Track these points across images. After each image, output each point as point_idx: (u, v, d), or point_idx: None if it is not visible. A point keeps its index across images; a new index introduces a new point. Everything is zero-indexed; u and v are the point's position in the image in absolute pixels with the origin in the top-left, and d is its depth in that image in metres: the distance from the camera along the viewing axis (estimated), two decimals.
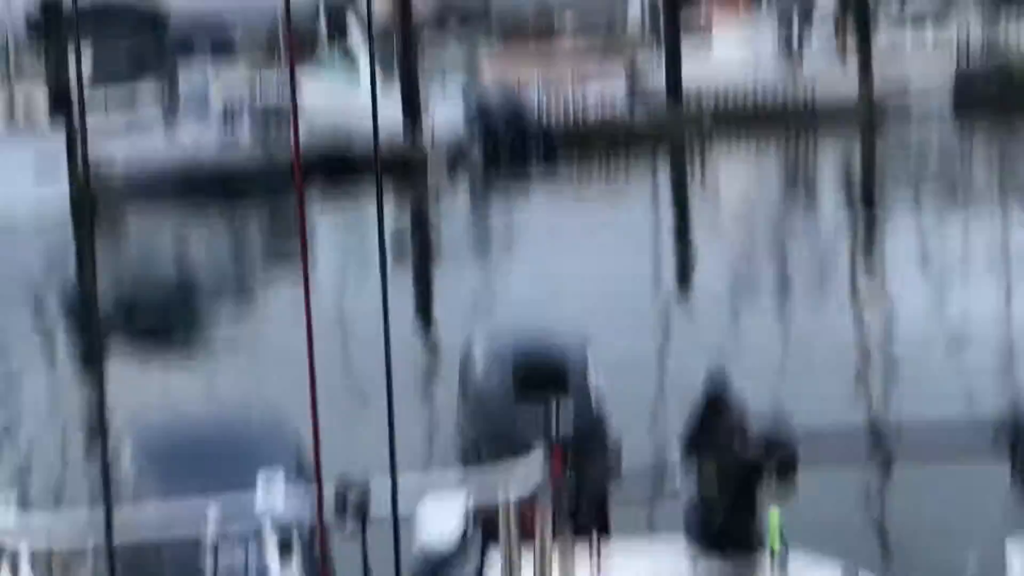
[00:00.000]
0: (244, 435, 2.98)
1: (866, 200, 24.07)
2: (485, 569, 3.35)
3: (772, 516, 2.91)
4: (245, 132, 29.06)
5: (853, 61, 44.87)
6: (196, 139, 28.50)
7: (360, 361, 10.01)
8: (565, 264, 16.42)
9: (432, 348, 11.55)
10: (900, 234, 17.14)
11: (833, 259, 15.82)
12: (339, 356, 10.37)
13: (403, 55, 33.88)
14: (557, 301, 13.16)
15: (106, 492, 2.21)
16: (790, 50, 45.48)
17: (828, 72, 44.45)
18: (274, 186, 27.38)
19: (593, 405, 3.89)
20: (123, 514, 2.43)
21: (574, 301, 13.03)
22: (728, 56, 44.14)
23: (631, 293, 13.56)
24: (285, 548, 2.39)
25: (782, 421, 3.04)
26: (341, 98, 32.88)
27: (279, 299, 14.72)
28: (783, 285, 14.17)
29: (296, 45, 38.51)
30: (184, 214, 24.79)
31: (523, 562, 2.74)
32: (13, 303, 16.23)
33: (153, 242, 22.29)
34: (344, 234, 21.57)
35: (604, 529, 3.43)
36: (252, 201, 25.97)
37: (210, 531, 2.44)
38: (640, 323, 11.85)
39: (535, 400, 3.79)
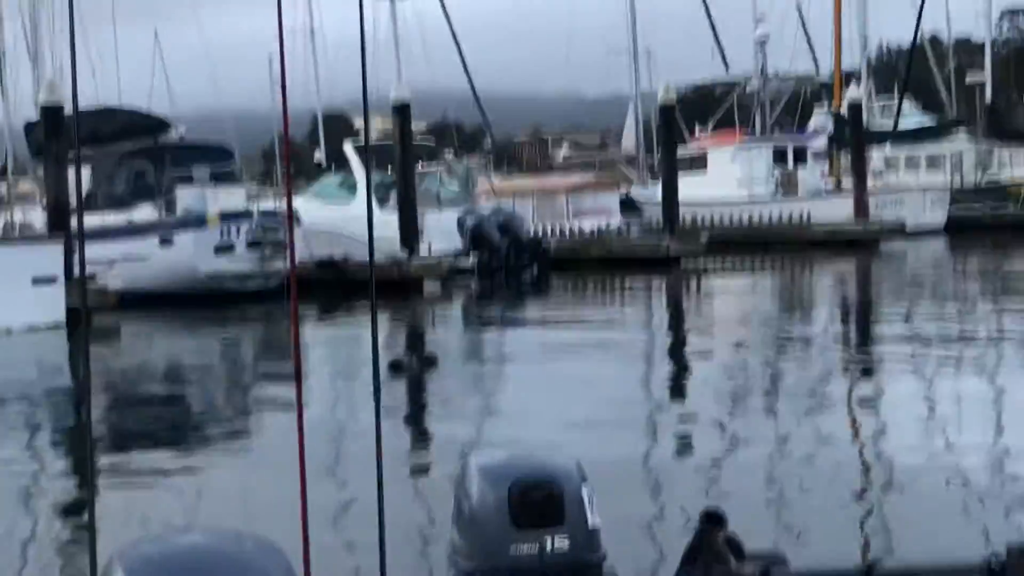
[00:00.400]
0: (237, 561, 2.85)
1: (860, 321, 23.97)
2: None
3: None
4: (242, 249, 29.13)
5: (846, 186, 45.45)
6: (192, 255, 28.60)
7: (353, 483, 9.83)
8: (559, 378, 16.30)
9: (424, 467, 11.34)
10: (895, 360, 17.05)
11: (828, 380, 15.74)
12: (329, 475, 10.18)
13: (401, 177, 34.17)
14: (550, 414, 13.04)
15: None
16: (784, 175, 46.00)
17: (822, 198, 45.02)
18: (269, 299, 27.48)
19: (589, 537, 3.75)
20: None
21: (567, 414, 12.93)
22: (723, 177, 44.66)
23: (625, 409, 13.44)
24: None
25: (780, 555, 2.94)
26: (339, 217, 33.20)
27: (271, 418, 14.55)
28: (775, 404, 14.08)
29: (292, 174, 38.97)
30: (178, 328, 24.66)
31: None
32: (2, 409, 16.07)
33: (146, 354, 22.14)
34: (338, 349, 21.42)
35: None
36: (247, 316, 25.94)
37: None
38: (633, 438, 11.70)
39: (531, 529, 3.64)
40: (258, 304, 27.38)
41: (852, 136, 44.66)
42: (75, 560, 8.54)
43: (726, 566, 3.00)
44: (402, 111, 33.77)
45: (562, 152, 69.97)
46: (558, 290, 31.92)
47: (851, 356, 18.16)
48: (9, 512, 10.51)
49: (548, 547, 3.65)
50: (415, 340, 21.87)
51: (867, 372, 16.20)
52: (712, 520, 3.06)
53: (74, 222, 27.04)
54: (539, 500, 3.66)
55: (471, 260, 33.49)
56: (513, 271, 33.76)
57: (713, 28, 52.26)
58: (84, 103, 28.59)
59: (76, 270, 24.57)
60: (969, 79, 61.68)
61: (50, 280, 24.69)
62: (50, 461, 13.19)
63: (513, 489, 3.71)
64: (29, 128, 32.67)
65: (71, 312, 24.49)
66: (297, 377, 2.36)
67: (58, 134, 27.21)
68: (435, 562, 3.75)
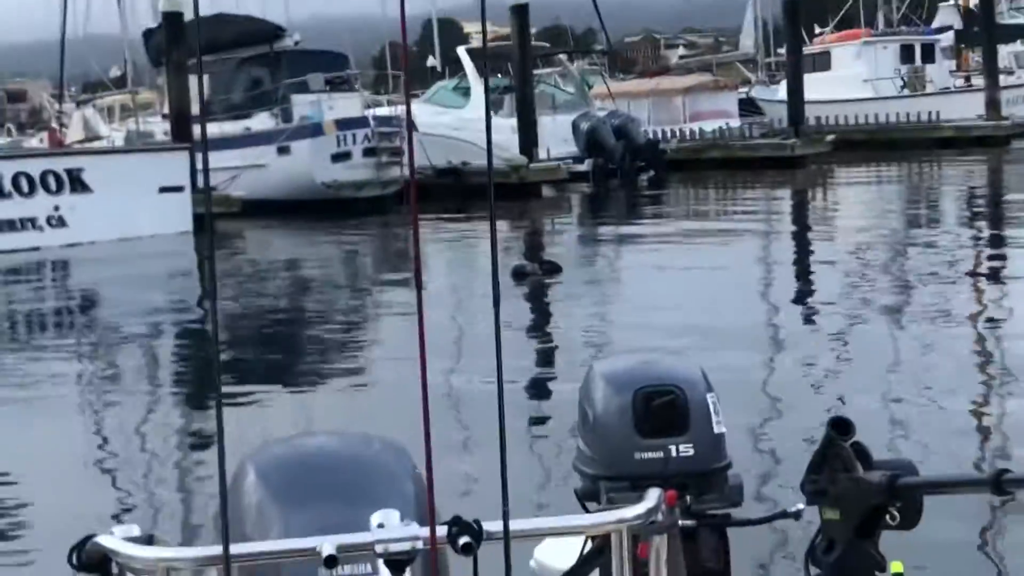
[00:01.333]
0: (364, 460, 2.96)
1: (991, 223, 23.55)
2: None
3: (896, 566, 2.79)
4: (358, 157, 29.34)
5: (975, 84, 44.49)
6: (308, 163, 28.89)
7: (472, 391, 9.98)
8: (676, 285, 16.36)
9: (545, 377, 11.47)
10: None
11: (954, 284, 15.55)
12: (447, 385, 10.33)
13: (520, 80, 33.98)
14: (673, 321, 13.08)
15: (224, 526, 2.24)
16: (912, 72, 45.12)
17: (951, 95, 44.14)
18: (386, 207, 27.74)
19: (714, 444, 3.76)
20: (241, 548, 2.43)
21: (690, 320, 12.98)
22: (847, 76, 43.88)
23: (746, 318, 13.41)
24: (398, 568, 2.36)
25: (907, 462, 2.94)
26: (454, 122, 33.29)
27: (388, 323, 14.77)
28: (902, 311, 13.93)
29: (410, 77, 39.07)
30: (298, 235, 25.03)
31: None
32: (132, 313, 16.64)
33: (268, 260, 22.54)
34: (459, 256, 21.60)
35: (725, 571, 3.33)
36: (364, 223, 26.20)
37: (324, 558, 2.42)
38: (754, 346, 11.69)
39: (655, 436, 3.68)
40: (375, 211, 27.60)
41: (984, 31, 43.46)
42: (205, 463, 8.84)
43: (853, 473, 3.03)
44: (520, 12, 33.55)
45: (677, 54, 69.33)
46: (676, 193, 31.75)
47: (980, 261, 17.86)
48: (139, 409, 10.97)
49: (673, 454, 3.70)
50: (536, 246, 21.93)
51: (996, 278, 15.95)
52: (839, 428, 3.08)
53: (197, 131, 27.60)
54: (663, 407, 3.71)
55: (587, 165, 33.40)
56: (629, 175, 33.63)
57: None
58: (202, 10, 28.84)
59: (200, 179, 25.20)
60: None
61: (177, 189, 25.20)
62: (178, 364, 13.64)
63: (637, 396, 3.76)
64: (148, 35, 33.13)
65: (198, 219, 25.00)
66: (417, 282, 2.42)
67: (179, 41, 27.60)
68: (561, 471, 3.81)
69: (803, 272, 18.07)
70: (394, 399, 10.41)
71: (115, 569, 2.39)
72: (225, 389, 11.44)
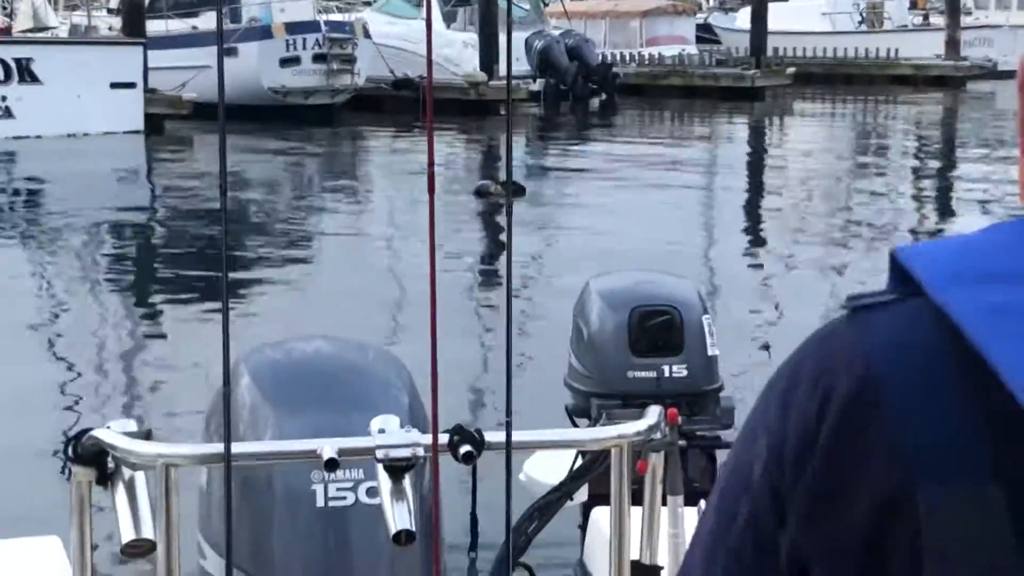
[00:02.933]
0: (360, 367, 2.99)
1: (943, 157, 23.92)
2: (588, 523, 3.33)
3: None
4: (308, 62, 28.91)
5: (934, 22, 44.59)
6: (256, 67, 28.38)
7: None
8: (636, 207, 16.56)
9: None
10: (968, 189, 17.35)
11: (901, 217, 16.00)
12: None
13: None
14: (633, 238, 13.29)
15: (226, 424, 2.28)
16: (870, 7, 45.16)
17: (909, 32, 44.24)
18: (328, 115, 27.49)
19: (707, 365, 3.86)
20: (242, 448, 2.46)
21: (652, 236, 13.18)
22: (805, 7, 43.81)
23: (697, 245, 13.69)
24: (397, 474, 2.40)
25: None
26: (405, 33, 32.94)
27: (333, 233, 14.85)
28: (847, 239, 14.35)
29: None
30: (246, 136, 24.82)
31: (631, 520, 2.70)
32: (76, 213, 16.57)
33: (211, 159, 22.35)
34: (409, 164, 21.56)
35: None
36: (310, 132, 25.95)
37: (324, 460, 2.46)
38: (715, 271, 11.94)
39: (649, 355, 3.76)
40: (324, 121, 27.31)
41: None
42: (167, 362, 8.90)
43: None
44: None
45: None
46: (630, 119, 31.69)
47: (922, 215, 18.17)
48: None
49: (666, 374, 3.76)
50: (494, 165, 21.82)
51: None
52: None
53: (150, 26, 27.26)
54: (659, 327, 3.77)
55: (538, 84, 33.17)
56: (581, 97, 33.44)
57: None
58: None
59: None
60: None
61: (129, 85, 24.79)
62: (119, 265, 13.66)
63: (633, 315, 3.81)
64: None
65: (149, 119, 24.73)
66: (431, 194, 2.38)
67: None
68: (550, 385, 3.90)
69: (747, 212, 18.30)
70: (335, 304, 10.65)
71: (111, 463, 2.38)
72: (170, 296, 11.63)
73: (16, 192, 19.45)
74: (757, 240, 15.32)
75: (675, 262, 12.14)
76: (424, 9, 34.91)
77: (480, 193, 16.50)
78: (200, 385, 7.61)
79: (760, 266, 13.45)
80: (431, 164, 2.48)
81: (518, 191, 16.86)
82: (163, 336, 10.59)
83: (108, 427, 2.40)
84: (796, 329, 9.70)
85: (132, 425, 2.41)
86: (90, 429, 2.40)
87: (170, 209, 17.83)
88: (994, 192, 17.91)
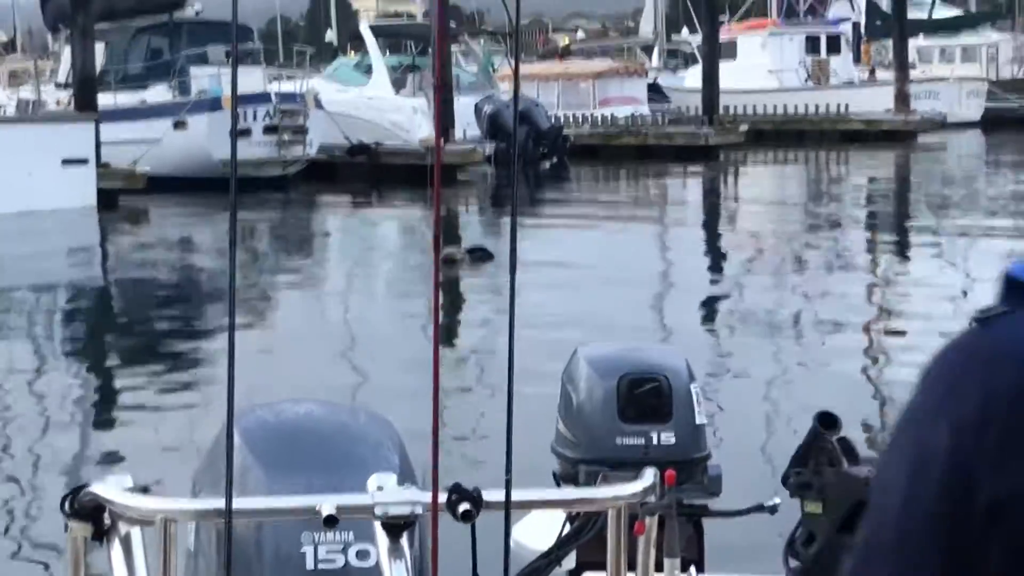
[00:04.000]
0: (350, 430, 3.01)
1: (896, 215, 24.23)
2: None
3: None
4: (258, 134, 28.95)
5: (879, 77, 45.21)
6: (206, 139, 28.36)
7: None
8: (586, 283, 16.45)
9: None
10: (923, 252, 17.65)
11: (854, 277, 16.25)
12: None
13: (438, 58, 33.60)
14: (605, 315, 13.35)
15: (228, 480, 2.27)
16: (816, 64, 45.77)
17: (856, 88, 44.81)
18: (282, 186, 27.52)
19: (695, 433, 3.92)
20: (240, 504, 2.47)
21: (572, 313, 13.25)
22: (753, 66, 44.38)
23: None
24: (396, 532, 2.42)
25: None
26: (356, 100, 33.14)
27: (278, 319, 14.93)
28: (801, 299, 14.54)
29: (310, 56, 38.72)
30: (195, 209, 24.75)
31: None
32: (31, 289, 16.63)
33: (169, 238, 22.41)
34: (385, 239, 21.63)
35: (699, 562, 3.41)
36: (264, 204, 25.91)
37: (324, 517, 2.47)
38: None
39: (638, 423, 3.81)
40: (276, 191, 27.28)
41: (896, 24, 44.14)
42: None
43: (838, 467, 3.11)
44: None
45: (576, 37, 69.20)
46: (584, 181, 31.86)
47: (877, 265, 18.38)
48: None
49: (654, 441, 3.79)
50: (456, 233, 21.84)
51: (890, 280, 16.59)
52: (825, 422, 3.17)
53: (102, 100, 27.18)
54: (647, 395, 3.81)
55: (488, 149, 33.29)
56: (531, 161, 33.58)
57: None
58: None
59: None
60: None
61: (81, 161, 24.72)
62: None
63: (622, 383, 3.85)
64: (45, 0, 32.50)
65: (102, 193, 24.61)
66: (436, 255, 2.48)
67: (85, 5, 27.00)
68: (538, 452, 3.94)
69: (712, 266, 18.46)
70: (309, 370, 10.68)
71: (108, 519, 2.37)
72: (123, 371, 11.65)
73: None
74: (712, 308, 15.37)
75: (633, 324, 12.35)
76: (376, 75, 35.27)
77: (446, 261, 16.52)
78: (181, 447, 7.72)
79: (715, 332, 13.51)
80: (437, 223, 2.52)
81: (486, 256, 16.89)
82: (137, 406, 10.54)
83: (104, 482, 2.39)
84: (752, 391, 9.97)
85: (129, 480, 2.40)
86: (87, 484, 2.39)
87: (129, 282, 17.84)
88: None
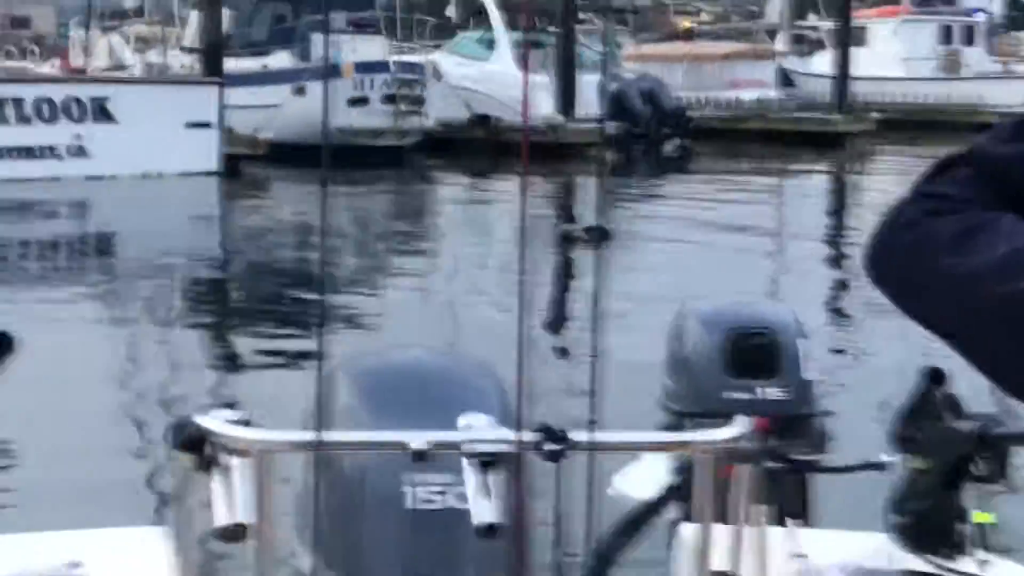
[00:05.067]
0: (455, 377, 3.09)
1: None
2: (676, 531, 3.37)
3: (981, 517, 2.88)
4: (376, 103, 29.20)
5: (1014, 71, 44.41)
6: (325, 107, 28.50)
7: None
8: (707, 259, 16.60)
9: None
10: None
11: None
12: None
13: (563, 34, 33.62)
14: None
15: (318, 412, 2.40)
16: (948, 54, 45.09)
17: (990, 80, 44.04)
18: (397, 157, 27.77)
19: (802, 389, 3.97)
20: (333, 436, 2.56)
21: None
22: (884, 53, 43.79)
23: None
24: (483, 468, 2.47)
25: (996, 415, 3.03)
26: (476, 74, 33.26)
27: (391, 281, 15.14)
28: None
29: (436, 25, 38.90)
30: (314, 179, 25.02)
31: (715, 532, 2.75)
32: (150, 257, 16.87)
33: (290, 208, 22.72)
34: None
35: (803, 515, 3.45)
36: (378, 175, 26.15)
37: (413, 451, 2.53)
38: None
39: (745, 377, 3.87)
40: (391, 163, 27.44)
41: None
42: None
43: (942, 423, 3.12)
44: None
45: (701, 18, 68.52)
46: (708, 163, 31.69)
47: None
48: None
49: (760, 395, 3.85)
50: (575, 211, 21.89)
51: None
52: (934, 377, 3.18)
53: (228, 65, 27.58)
54: (755, 349, 3.87)
55: (612, 129, 33.23)
56: (655, 142, 33.53)
57: None
58: None
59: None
60: None
61: (205, 125, 25.11)
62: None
63: (730, 337, 3.91)
64: None
65: (225, 160, 25.04)
66: (522, 235, 2.51)
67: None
68: (645, 408, 4.02)
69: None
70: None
71: (209, 449, 2.42)
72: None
73: (87, 233, 19.88)
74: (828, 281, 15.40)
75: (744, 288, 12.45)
76: (498, 50, 35.42)
77: (566, 237, 16.66)
78: (293, 391, 7.89)
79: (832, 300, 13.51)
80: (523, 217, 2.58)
81: (605, 235, 16.89)
82: (251, 366, 10.82)
83: (209, 415, 2.46)
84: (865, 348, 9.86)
85: (232, 414, 2.47)
86: (191, 417, 2.46)
87: (250, 244, 18.22)
88: None
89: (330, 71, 28.97)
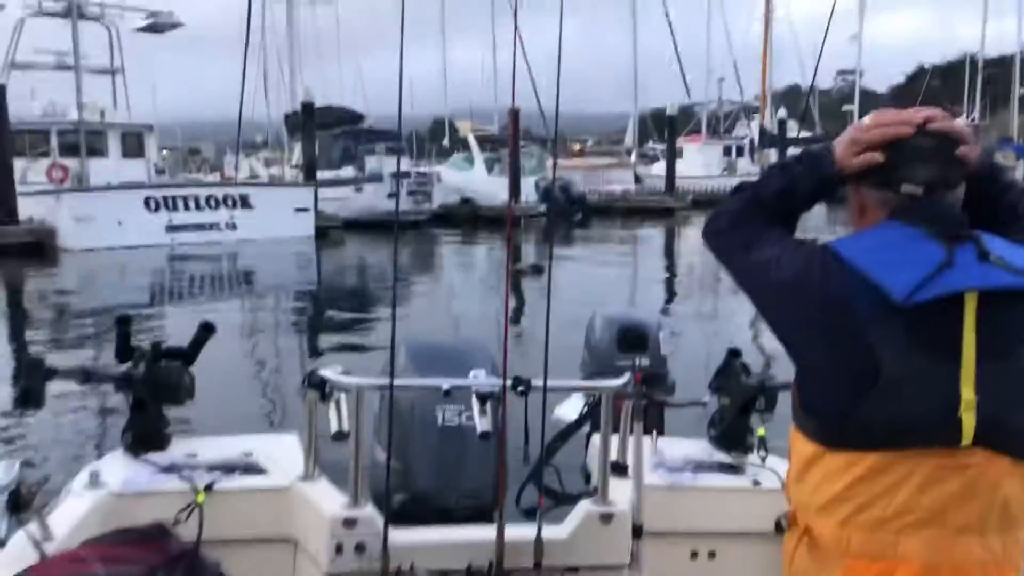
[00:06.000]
0: (468, 351, 3.08)
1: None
2: (590, 439, 3.29)
3: (760, 432, 2.90)
4: (404, 196, 29.00)
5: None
6: (373, 198, 28.45)
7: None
8: (600, 280, 16.41)
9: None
10: None
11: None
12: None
13: (512, 157, 33.45)
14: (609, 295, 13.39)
15: (391, 368, 2.32)
16: (730, 163, 45.44)
17: (755, 176, 44.31)
18: (418, 225, 27.61)
19: (661, 360, 3.96)
20: (397, 381, 2.52)
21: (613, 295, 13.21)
22: (693, 162, 44.08)
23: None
24: (483, 401, 2.46)
25: (771, 374, 3.06)
26: (464, 179, 33.12)
27: (419, 295, 15.00)
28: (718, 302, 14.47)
29: (438, 150, 38.52)
30: (368, 240, 24.88)
31: (612, 440, 2.71)
32: (278, 281, 16.79)
33: (357, 257, 22.52)
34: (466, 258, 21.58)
35: (660, 430, 3.43)
36: (407, 238, 25.96)
37: (443, 391, 2.52)
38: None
39: (628, 352, 3.85)
40: (414, 228, 27.11)
41: (779, 138, 43.87)
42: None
43: (738, 378, 3.12)
44: (515, 114, 33.10)
45: (587, 144, 68.61)
46: (597, 227, 31.72)
47: None
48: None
49: (637, 363, 3.84)
50: (521, 255, 21.81)
51: None
52: (733, 353, 3.18)
53: (319, 175, 27.13)
54: (634, 336, 3.87)
55: (542, 208, 33.22)
56: (568, 216, 33.44)
57: (681, 69, 50.62)
58: (318, 102, 28.84)
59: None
60: (844, 108, 60.38)
61: (306, 210, 24.70)
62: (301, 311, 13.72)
63: (620, 329, 3.90)
64: (287, 117, 32.74)
65: (317, 230, 24.58)
66: (509, 256, 2.51)
67: (310, 119, 27.25)
68: (572, 367, 4.00)
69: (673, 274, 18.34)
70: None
71: (327, 388, 2.38)
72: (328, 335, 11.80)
73: (240, 271, 19.59)
74: (673, 294, 15.40)
75: (633, 301, 12.38)
76: (476, 165, 35.29)
77: (518, 272, 16.61)
78: (370, 358, 7.85)
79: (676, 306, 13.51)
80: (509, 245, 2.58)
81: (540, 269, 16.96)
82: (340, 344, 10.67)
83: (325, 368, 2.43)
84: (694, 338, 9.95)
85: (339, 368, 2.43)
86: (316, 369, 2.41)
87: (334, 278, 18.00)
88: None
89: (377, 178, 28.89)
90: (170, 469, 2.54)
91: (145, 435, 2.68)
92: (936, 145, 1.70)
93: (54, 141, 25.70)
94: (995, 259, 1.60)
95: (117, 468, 2.56)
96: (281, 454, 2.69)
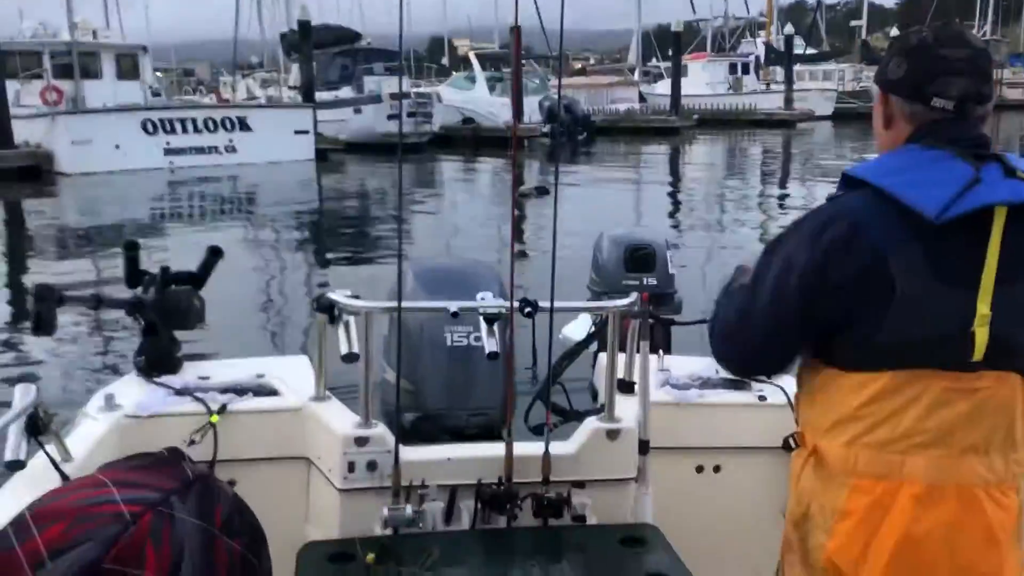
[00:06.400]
0: (475, 274, 3.07)
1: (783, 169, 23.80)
2: (597, 358, 3.29)
3: None
4: (404, 117, 28.63)
5: (773, 88, 44.17)
6: (373, 120, 28.15)
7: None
8: (606, 198, 16.38)
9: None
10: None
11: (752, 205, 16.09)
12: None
13: (514, 74, 32.90)
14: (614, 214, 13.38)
15: (399, 292, 2.31)
16: (735, 80, 44.73)
17: (759, 94, 43.81)
18: (419, 148, 27.42)
19: (668, 279, 3.95)
20: (405, 304, 2.41)
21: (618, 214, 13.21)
22: (698, 81, 43.42)
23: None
24: (491, 322, 2.45)
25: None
26: (465, 99, 32.72)
27: (423, 218, 14.97)
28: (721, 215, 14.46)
29: (438, 69, 37.96)
30: (369, 162, 24.73)
31: (619, 358, 2.71)
32: (277, 204, 16.52)
33: (358, 180, 22.40)
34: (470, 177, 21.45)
35: (667, 348, 3.42)
36: (406, 155, 25.70)
37: (451, 313, 2.50)
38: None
39: (636, 272, 3.85)
40: (415, 151, 26.81)
41: (785, 56, 43.11)
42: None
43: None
44: (516, 31, 32.45)
45: (589, 63, 67.67)
46: (602, 147, 31.48)
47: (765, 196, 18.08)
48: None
49: (644, 282, 3.84)
50: (525, 177, 21.65)
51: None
52: (740, 269, 3.11)
53: (318, 96, 26.75)
54: (641, 255, 3.86)
55: (545, 128, 32.91)
56: (572, 136, 33.16)
57: None
58: (313, 21, 28.31)
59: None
60: (852, 23, 59.14)
61: (305, 132, 24.47)
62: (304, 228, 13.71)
63: (627, 249, 3.89)
64: (283, 36, 32.20)
65: (317, 152, 24.36)
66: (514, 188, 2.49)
67: (307, 39, 26.78)
68: (580, 287, 4.00)
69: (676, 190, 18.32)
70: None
71: (336, 311, 2.37)
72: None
73: (240, 194, 19.48)
74: (678, 211, 15.38)
75: (639, 221, 12.44)
76: (478, 84, 34.82)
77: (522, 194, 16.46)
78: (379, 279, 7.87)
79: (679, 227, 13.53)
80: (514, 169, 2.57)
81: (545, 191, 16.84)
82: (345, 267, 10.70)
83: (334, 291, 2.41)
84: (701, 256, 10.02)
85: (348, 291, 2.41)
86: (325, 292, 2.40)
87: (334, 201, 17.95)
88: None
89: (376, 99, 28.50)
90: (183, 391, 2.56)
91: (157, 359, 2.69)
92: (970, 56, 1.68)
93: (47, 63, 25.24)
94: (1022, 175, 1.61)
95: (131, 391, 2.58)
96: (292, 376, 2.71)
